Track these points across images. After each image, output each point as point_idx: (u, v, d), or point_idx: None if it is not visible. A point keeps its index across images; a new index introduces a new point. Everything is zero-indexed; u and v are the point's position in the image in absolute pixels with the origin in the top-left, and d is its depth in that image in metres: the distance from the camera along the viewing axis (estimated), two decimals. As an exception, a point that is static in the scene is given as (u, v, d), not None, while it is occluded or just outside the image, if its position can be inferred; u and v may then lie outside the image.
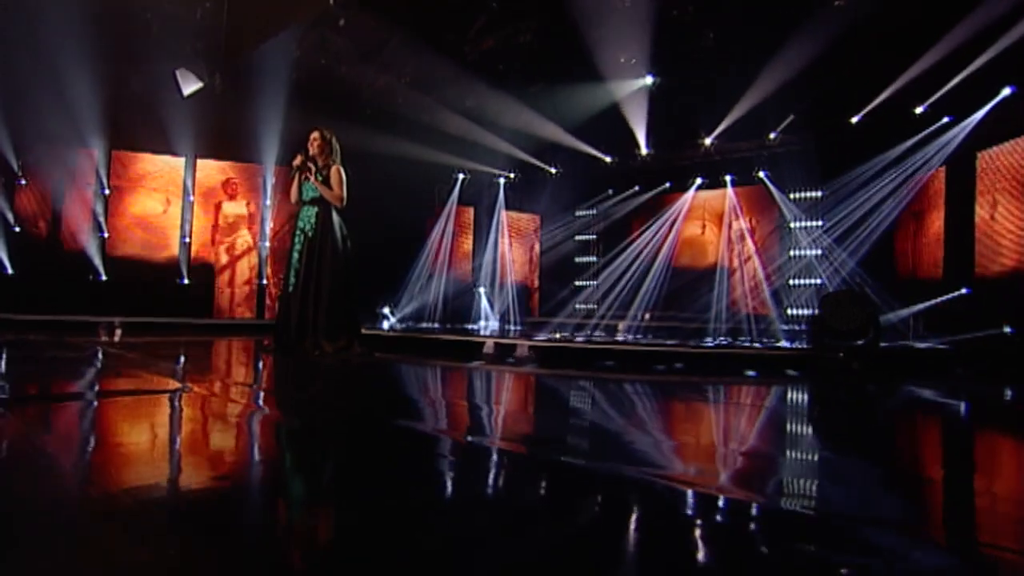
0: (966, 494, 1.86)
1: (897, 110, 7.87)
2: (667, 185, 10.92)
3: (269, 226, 10.17)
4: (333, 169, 5.13)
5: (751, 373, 5.09)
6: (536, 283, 12.65)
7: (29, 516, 1.26)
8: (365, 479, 1.71)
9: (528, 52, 8.52)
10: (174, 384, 3.36)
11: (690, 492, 1.62)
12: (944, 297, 7.16)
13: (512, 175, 12.00)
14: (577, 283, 12.05)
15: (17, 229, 8.67)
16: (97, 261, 9.09)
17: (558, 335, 7.69)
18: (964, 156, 7.26)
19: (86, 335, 6.60)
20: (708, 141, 9.86)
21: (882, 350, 5.86)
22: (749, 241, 9.99)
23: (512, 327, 11.00)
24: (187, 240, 9.70)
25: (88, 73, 8.00)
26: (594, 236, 12.08)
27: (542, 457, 2.05)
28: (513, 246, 12.17)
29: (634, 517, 1.44)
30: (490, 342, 6.21)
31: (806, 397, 4.04)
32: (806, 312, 8.73)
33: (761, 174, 9.72)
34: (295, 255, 5.13)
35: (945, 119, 7.50)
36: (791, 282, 9.28)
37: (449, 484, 1.70)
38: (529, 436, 2.55)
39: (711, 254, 10.55)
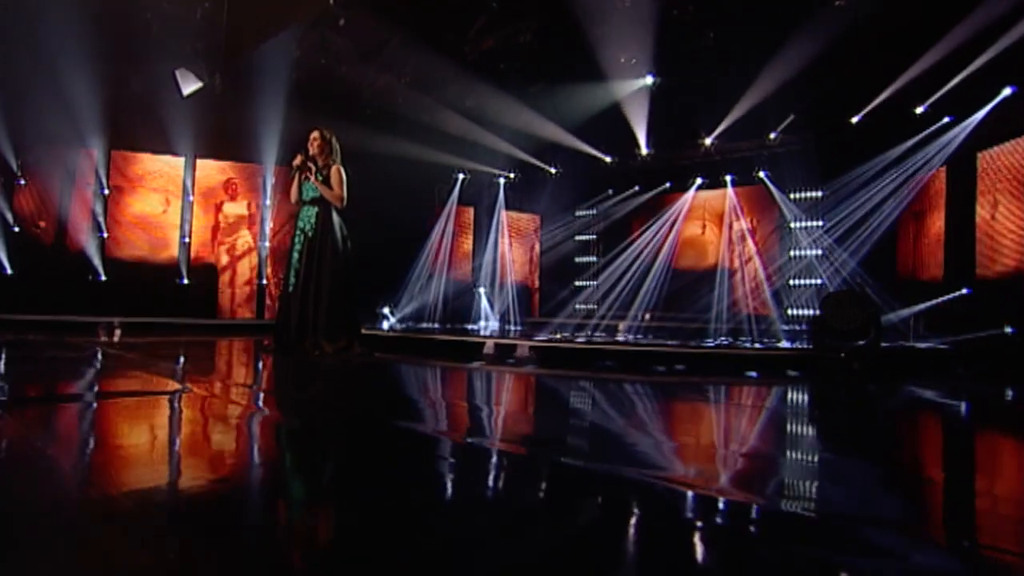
0: (967, 495, 1.85)
1: (897, 110, 7.87)
2: (667, 185, 10.92)
3: (269, 226, 10.17)
4: (333, 169, 5.12)
5: (752, 374, 5.09)
6: (536, 283, 12.65)
7: (29, 518, 1.25)
8: (365, 480, 1.71)
9: (528, 52, 8.52)
10: (174, 385, 3.36)
11: (690, 494, 1.62)
12: (945, 297, 7.16)
13: (512, 175, 12.00)
14: (577, 283, 12.05)
15: (16, 229, 8.67)
16: (96, 261, 9.09)
17: (558, 335, 7.68)
18: (965, 156, 7.26)
19: (85, 335, 6.60)
20: (708, 141, 9.86)
21: (883, 350, 5.86)
22: (750, 241, 9.99)
23: (512, 327, 11.00)
24: (187, 240, 9.69)
25: (88, 73, 8.00)
26: (594, 236, 12.08)
27: (542, 458, 2.05)
28: (513, 246, 12.17)
29: (634, 519, 1.43)
30: (490, 342, 6.20)
31: (807, 398, 4.04)
32: (807, 312, 8.73)
33: (761, 174, 9.72)
34: (295, 255, 5.13)
35: (946, 119, 7.50)
36: (791, 282, 9.28)
37: (449, 485, 1.70)
38: (529, 437, 2.54)
39: (711, 254, 10.55)
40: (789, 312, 9.06)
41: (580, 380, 4.37)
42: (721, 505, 1.54)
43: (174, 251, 9.62)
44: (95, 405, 2.65)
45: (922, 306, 7.32)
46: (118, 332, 7.35)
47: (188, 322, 9.06)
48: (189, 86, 8.55)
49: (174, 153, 9.57)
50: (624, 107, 9.33)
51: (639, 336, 8.38)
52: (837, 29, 6.79)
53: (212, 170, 9.94)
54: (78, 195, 9.03)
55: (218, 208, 9.95)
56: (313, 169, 5.12)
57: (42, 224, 8.87)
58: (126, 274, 9.24)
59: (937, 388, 4.63)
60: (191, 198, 9.72)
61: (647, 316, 9.90)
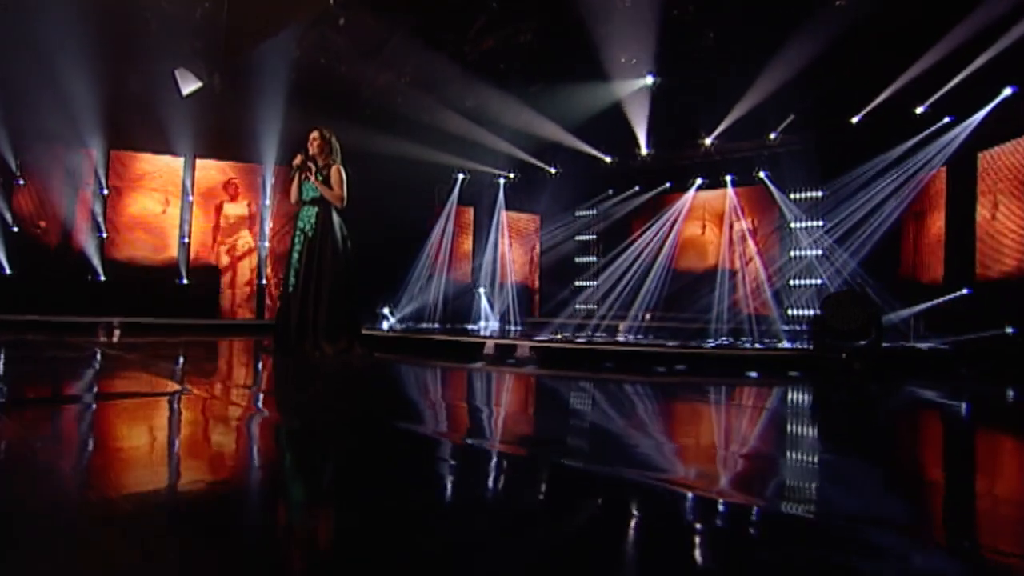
0: (967, 496, 1.85)
1: (898, 110, 7.86)
2: (667, 185, 10.91)
3: (269, 226, 10.17)
4: (333, 169, 5.11)
5: (752, 374, 5.08)
6: (536, 283, 12.65)
7: (28, 519, 1.25)
8: (365, 481, 1.70)
9: (528, 52, 8.51)
10: (174, 386, 3.35)
11: (691, 495, 1.61)
12: (945, 297, 7.16)
13: (512, 175, 11.99)
14: (577, 283, 12.04)
15: (16, 229, 8.66)
16: (96, 261, 9.09)
17: (559, 336, 7.68)
18: (965, 156, 7.25)
19: (85, 336, 6.59)
20: (708, 141, 9.86)
21: (884, 351, 5.86)
22: (750, 242, 9.98)
23: (512, 328, 11.00)
24: (186, 240, 9.69)
25: (87, 73, 7.99)
26: (594, 236, 12.07)
27: (542, 460, 2.05)
28: (513, 246, 12.17)
29: (634, 521, 1.43)
30: (490, 343, 6.20)
31: (808, 398, 4.04)
32: (807, 313, 8.72)
33: (761, 174, 9.71)
34: (295, 255, 5.12)
35: (946, 119, 7.49)
36: (792, 283, 9.27)
37: (449, 486, 1.70)
38: (529, 438, 2.54)
39: (712, 255, 10.55)
40: (790, 312, 9.06)
41: (580, 380, 4.37)
42: (722, 507, 1.53)
43: (173, 251, 9.61)
44: (94, 406, 2.65)
45: (923, 306, 7.31)
46: (118, 332, 7.34)
47: (188, 322, 9.05)
48: (189, 86, 8.54)
49: (174, 153, 9.56)
50: (624, 107, 9.32)
51: (639, 336, 8.38)
52: (837, 29, 6.78)
53: (212, 170, 9.93)
54: (78, 195, 9.03)
55: (219, 209, 9.95)
56: (313, 169, 5.11)
57: (42, 224, 8.87)
58: (126, 274, 9.23)
59: (938, 388, 4.63)
60: (191, 198, 9.72)
61: (647, 316, 9.89)
